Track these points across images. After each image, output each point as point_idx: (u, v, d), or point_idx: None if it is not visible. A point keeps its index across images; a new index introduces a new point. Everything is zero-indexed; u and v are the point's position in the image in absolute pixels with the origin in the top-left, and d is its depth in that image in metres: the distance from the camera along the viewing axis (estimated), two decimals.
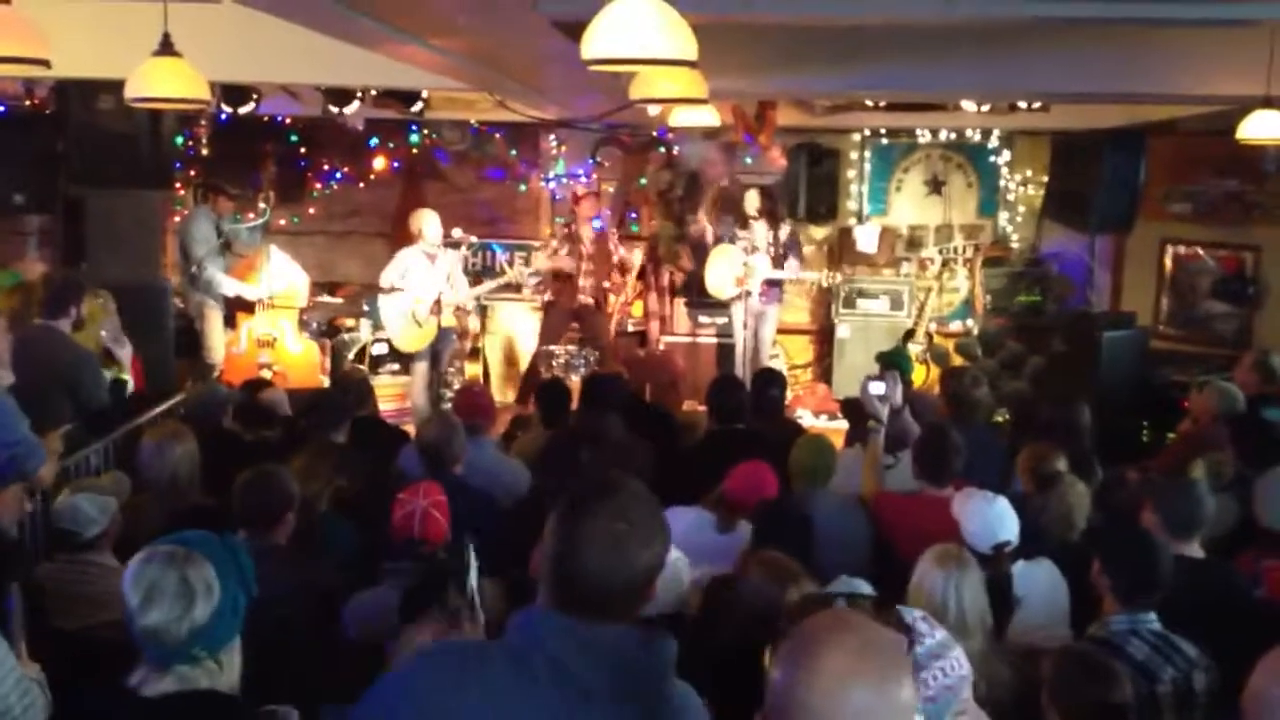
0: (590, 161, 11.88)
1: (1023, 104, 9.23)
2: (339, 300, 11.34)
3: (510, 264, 10.59)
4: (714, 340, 10.90)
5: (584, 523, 1.98)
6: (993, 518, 4.01)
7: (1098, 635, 3.49)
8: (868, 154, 11.92)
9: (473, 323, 10.73)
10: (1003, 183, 11.72)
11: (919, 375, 9.93)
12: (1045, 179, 11.12)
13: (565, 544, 1.98)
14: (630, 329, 11.14)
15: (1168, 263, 10.96)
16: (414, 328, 9.23)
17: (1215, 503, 4.80)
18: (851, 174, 11.94)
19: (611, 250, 10.21)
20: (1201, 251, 10.71)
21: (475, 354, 10.82)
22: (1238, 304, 10.33)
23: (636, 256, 10.61)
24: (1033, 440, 5.50)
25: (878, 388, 5.35)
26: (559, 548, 1.99)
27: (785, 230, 10.23)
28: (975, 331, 11.22)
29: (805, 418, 10.31)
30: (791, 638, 1.70)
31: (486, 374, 10.99)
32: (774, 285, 10.12)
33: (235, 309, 9.61)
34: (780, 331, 10.98)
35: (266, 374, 8.91)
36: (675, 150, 11.56)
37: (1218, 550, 4.63)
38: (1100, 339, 9.30)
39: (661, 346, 10.92)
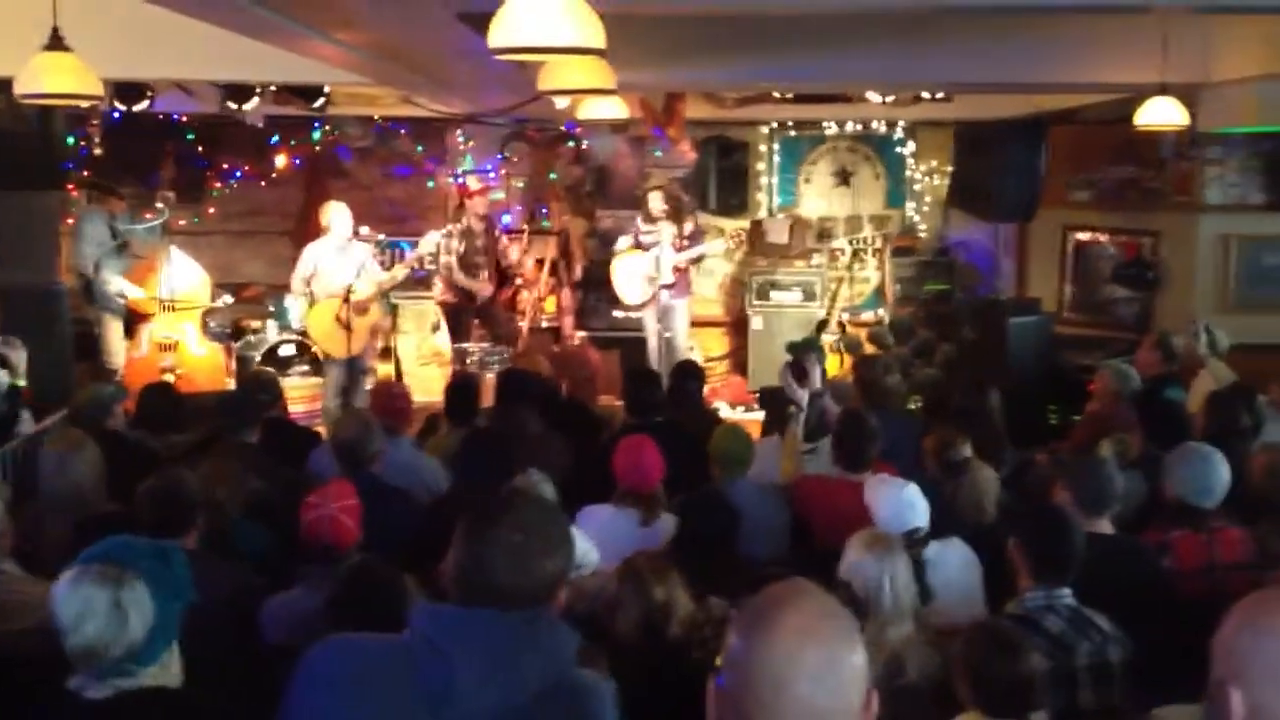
0: (499, 157, 11.83)
1: (926, 95, 9.39)
2: (243, 301, 11.14)
3: (421, 262, 10.48)
4: (628, 335, 10.93)
5: (488, 536, 2.07)
6: (903, 504, 4.09)
7: (1014, 612, 3.57)
8: (776, 146, 12.04)
9: (384, 321, 10.62)
10: (909, 173, 11.93)
11: (833, 365, 10.05)
12: (950, 169, 11.35)
13: (470, 557, 2.07)
14: (544, 325, 11.13)
15: (1070, 249, 11.25)
16: (341, 331, 9.03)
17: (1123, 480, 4.96)
18: (761, 166, 12.06)
19: (501, 249, 10.11)
20: (1103, 237, 11.02)
21: (387, 353, 10.71)
22: (1138, 288, 10.63)
23: (514, 252, 10.47)
24: (944, 426, 5.61)
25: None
26: (464, 560, 2.08)
27: (690, 225, 10.29)
28: (887, 320, 11.39)
29: (722, 409, 10.38)
30: (749, 605, 1.75)
31: (399, 373, 10.88)
32: (682, 276, 10.17)
33: (134, 313, 9.41)
34: (694, 324, 11.05)
35: (169, 378, 8.72)
36: (584, 144, 11.56)
37: (1127, 527, 4.78)
38: (1007, 325, 9.52)
39: (576, 341, 10.92)
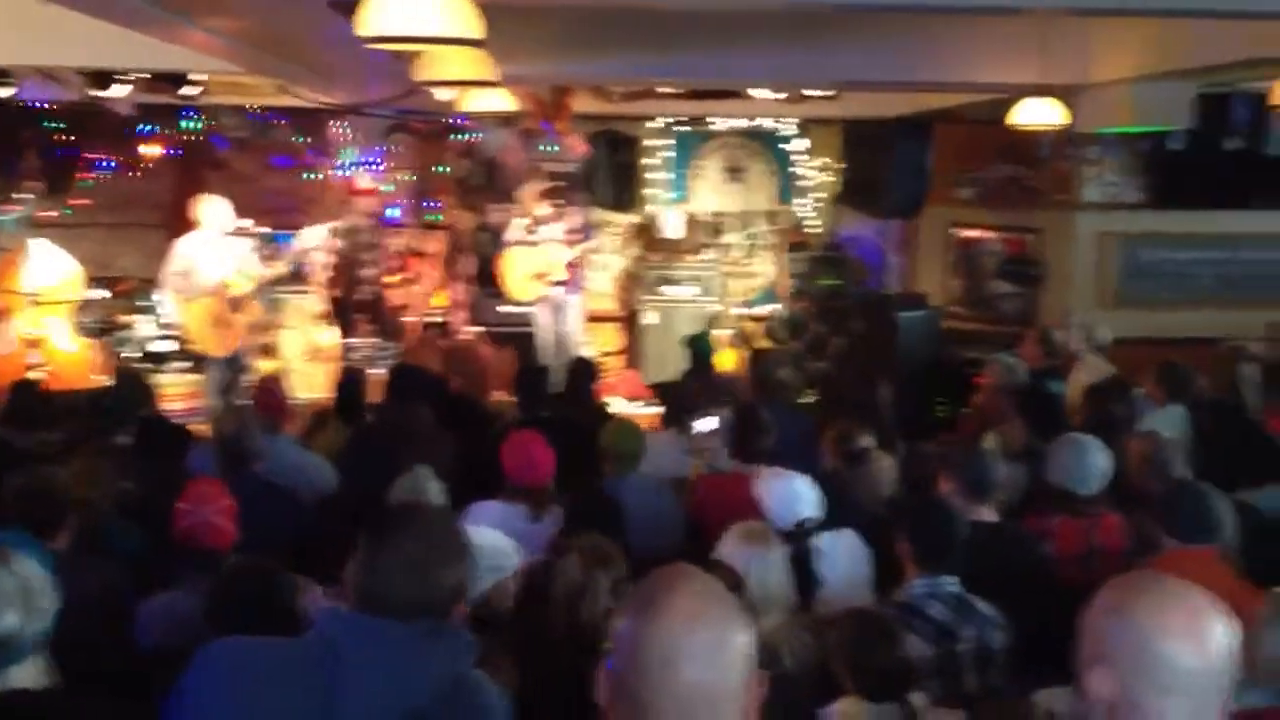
0: (383, 149, 11.69)
1: (813, 92, 9.53)
2: (115, 296, 10.82)
3: (303, 257, 10.30)
4: (522, 330, 10.89)
5: (386, 548, 2.12)
6: (792, 495, 4.17)
7: (899, 600, 3.67)
8: (667, 141, 12.11)
9: (266, 317, 10.41)
10: (800, 170, 12.09)
11: (727, 359, 10.16)
12: (840, 166, 11.56)
13: (369, 568, 2.13)
14: (434, 320, 11.03)
15: (957, 246, 11.54)
16: (218, 328, 8.83)
17: (1005, 469, 5.11)
18: (652, 161, 12.11)
19: (388, 244, 10.01)
20: (987, 234, 11.31)
21: (269, 350, 10.51)
22: (1021, 284, 10.95)
23: (401, 246, 10.36)
24: (838, 418, 5.72)
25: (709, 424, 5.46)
26: (363, 571, 2.13)
27: (578, 217, 10.30)
28: (780, 315, 11.55)
29: (617, 404, 10.41)
30: (638, 589, 1.79)
31: (282, 370, 10.68)
32: (575, 271, 10.17)
33: None
34: (588, 320, 11.06)
35: (36, 375, 8.45)
36: (472, 137, 11.49)
37: (1010, 516, 4.93)
38: (896, 320, 9.73)
39: (466, 337, 10.84)
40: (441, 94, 7.14)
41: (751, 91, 9.56)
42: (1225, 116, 7.89)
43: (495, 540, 3.64)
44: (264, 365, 10.32)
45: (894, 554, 3.82)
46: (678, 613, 1.71)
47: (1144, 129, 8.23)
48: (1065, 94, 7.48)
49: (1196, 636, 1.81)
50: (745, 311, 11.82)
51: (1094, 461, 4.65)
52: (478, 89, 6.56)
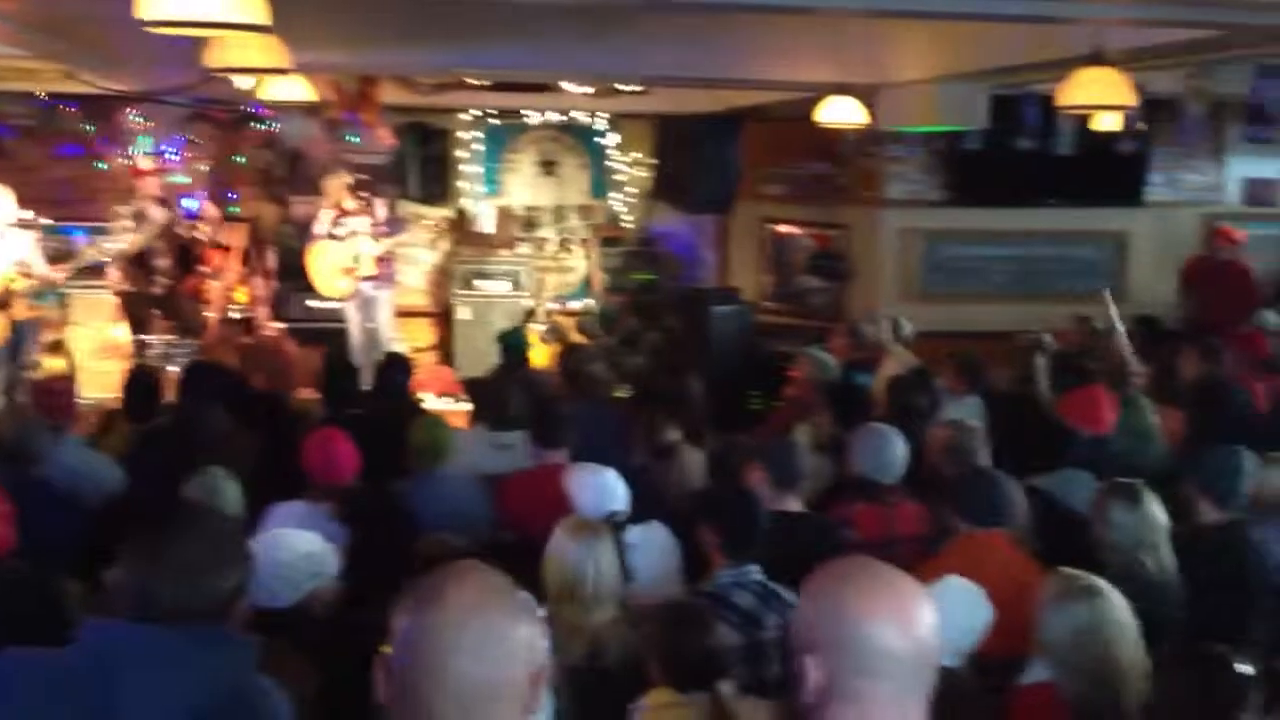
0: (181, 138, 11.26)
1: (624, 87, 9.60)
2: None
3: (95, 250, 9.83)
4: (328, 326, 10.64)
5: (156, 552, 2.09)
6: (601, 489, 4.20)
7: (705, 589, 3.73)
8: (479, 134, 12.02)
9: (54, 312, 9.90)
10: (613, 165, 12.17)
11: (541, 355, 10.15)
12: (653, 161, 11.69)
13: (138, 573, 2.09)
14: (235, 316, 10.69)
15: (768, 241, 11.80)
16: None
17: (813, 460, 5.25)
18: (463, 154, 12.01)
19: (184, 236, 9.65)
20: (797, 230, 11.60)
21: (58, 347, 10.01)
22: (830, 279, 11.26)
23: (198, 239, 10.01)
24: (648, 412, 5.79)
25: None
26: (132, 576, 2.09)
27: (385, 209, 10.14)
28: (593, 310, 11.60)
29: (429, 401, 10.29)
30: (418, 583, 1.78)
31: (71, 368, 10.19)
32: (385, 266, 10.00)
33: None
34: (399, 315, 10.91)
35: None
36: (273, 127, 11.17)
37: (817, 506, 5.07)
38: (709, 314, 9.90)
39: (270, 333, 10.54)
40: (237, 82, 6.92)
41: (562, 85, 9.57)
42: (1017, 117, 8.28)
43: (313, 545, 3.57)
44: (52, 364, 9.83)
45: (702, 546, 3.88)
46: (455, 606, 1.70)
47: (942, 128, 8.55)
48: (867, 93, 7.74)
49: (902, 621, 1.86)
50: (559, 306, 11.84)
51: (893, 451, 4.82)
52: (275, 77, 6.38)
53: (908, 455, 4.91)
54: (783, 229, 11.72)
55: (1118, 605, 3.34)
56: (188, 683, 2.00)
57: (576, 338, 10.35)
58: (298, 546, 3.51)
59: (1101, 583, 3.43)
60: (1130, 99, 5.86)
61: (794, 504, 4.49)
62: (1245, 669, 2.92)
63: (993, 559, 4.17)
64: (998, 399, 7.13)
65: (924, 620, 1.88)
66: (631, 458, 5.32)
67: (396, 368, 6.56)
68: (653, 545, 4.31)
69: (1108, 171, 9.92)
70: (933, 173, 10.70)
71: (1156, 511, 4.26)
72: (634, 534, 4.24)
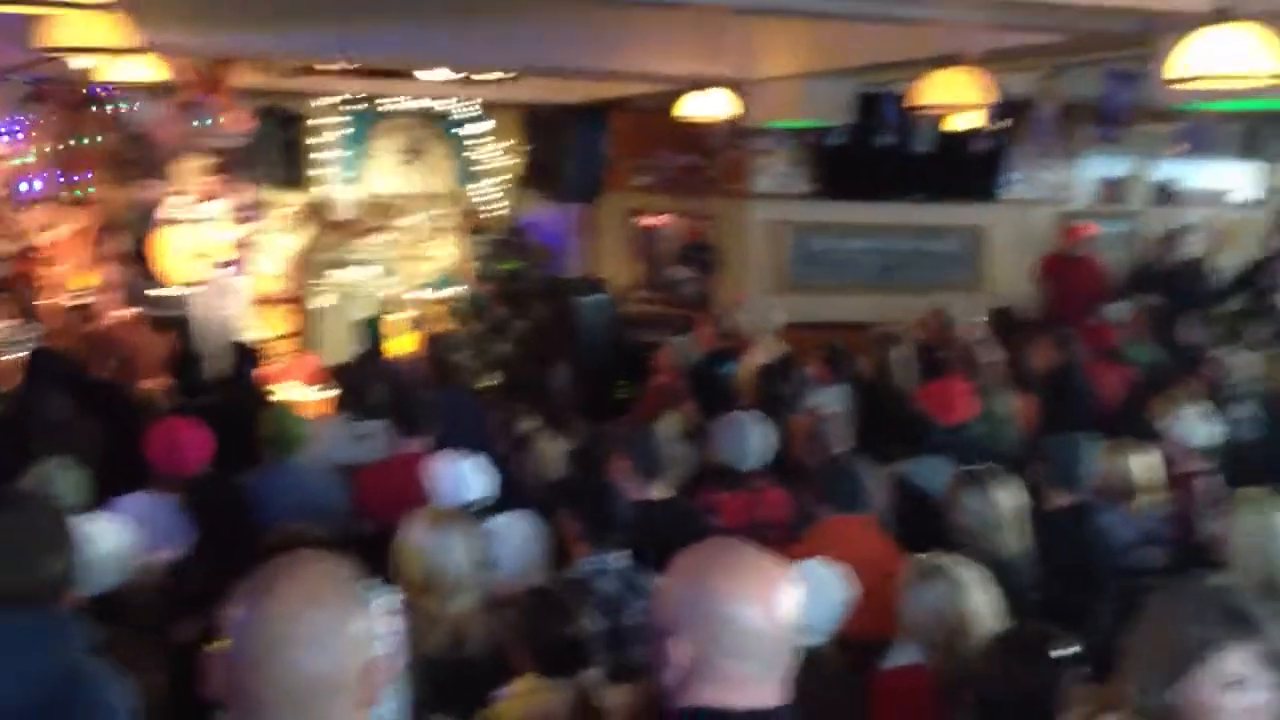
0: (21, 118, 10.78)
1: (491, 75, 9.52)
2: None
3: None
4: (180, 314, 10.33)
5: None
6: (460, 477, 4.18)
7: (568, 576, 3.73)
8: (340, 120, 11.79)
9: None
10: (480, 153, 12.05)
11: (406, 343, 10.03)
12: (521, 150, 11.62)
13: None
14: (80, 302, 10.29)
15: (636, 231, 11.84)
16: None
17: (679, 448, 5.29)
18: (324, 140, 11.76)
19: (25, 219, 9.30)
20: (666, 221, 11.67)
21: None
22: (699, 269, 11.35)
23: (39, 222, 9.65)
24: (508, 402, 5.78)
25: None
26: None
27: (244, 196, 9.90)
28: (460, 298, 11.49)
29: (291, 390, 10.07)
30: (253, 574, 1.75)
31: None
32: (241, 253, 9.77)
33: None
34: (257, 302, 10.68)
35: None
36: (121, 108, 10.77)
37: (682, 493, 5.11)
38: (577, 303, 9.90)
39: (118, 320, 10.18)
40: (74, 62, 6.63)
41: (425, 73, 9.44)
42: (879, 114, 8.44)
43: (123, 536, 3.46)
44: None
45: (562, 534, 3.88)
46: (288, 597, 1.68)
47: (809, 124, 8.68)
48: (735, 87, 7.81)
49: (766, 601, 1.90)
50: (424, 295, 11.69)
51: (753, 439, 4.89)
52: (119, 56, 6.12)
53: (769, 442, 4.98)
54: (652, 219, 11.77)
55: (974, 584, 3.45)
56: (19, 666, 1.96)
57: (441, 326, 10.26)
58: (105, 536, 3.42)
59: (958, 563, 3.53)
60: (983, 99, 6.04)
61: (658, 491, 4.51)
62: (1065, 650, 3.03)
63: (853, 543, 4.25)
64: (862, 387, 7.28)
65: (786, 600, 1.93)
66: (495, 446, 5.29)
67: (246, 356, 6.42)
68: (515, 534, 4.29)
69: (966, 169, 10.19)
70: (800, 166, 10.84)
71: (1007, 496, 4.39)
72: (496, 523, 4.22)
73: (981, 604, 3.42)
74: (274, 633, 1.65)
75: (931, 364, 7.52)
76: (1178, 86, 4.58)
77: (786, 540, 4.40)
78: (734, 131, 9.52)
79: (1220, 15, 4.28)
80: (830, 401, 6.56)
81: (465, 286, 11.70)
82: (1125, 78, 6.50)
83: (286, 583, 1.70)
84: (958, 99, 5.97)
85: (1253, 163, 11.10)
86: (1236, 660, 2.17)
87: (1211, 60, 4.27)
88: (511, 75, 9.42)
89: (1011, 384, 7.32)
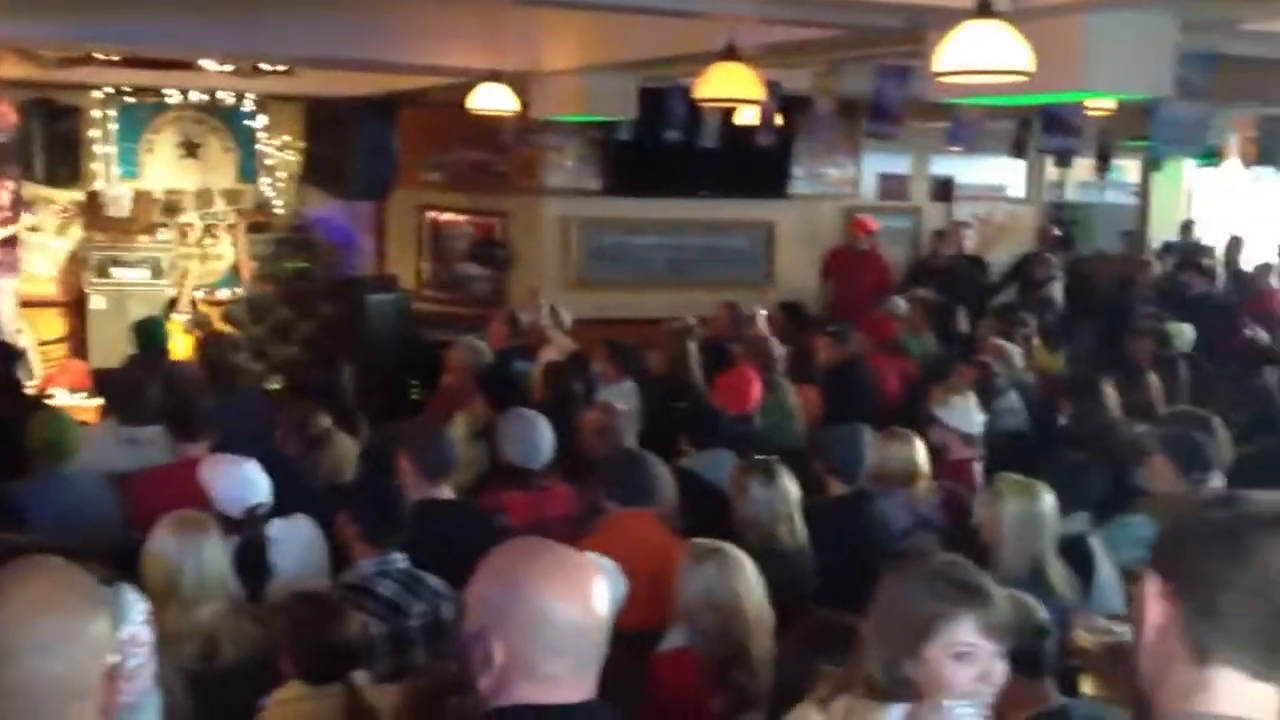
0: None
1: (269, 67, 9.27)
2: None
3: None
4: None
5: None
6: (241, 482, 4.10)
7: (348, 580, 3.70)
8: (113, 113, 11.32)
9: None
10: (261, 147, 11.74)
11: (184, 345, 9.71)
12: (303, 145, 11.38)
13: None
14: None
15: (427, 228, 11.74)
16: None
17: (470, 447, 5.30)
18: (96, 134, 11.27)
19: None
20: (457, 218, 11.60)
21: None
22: (491, 266, 11.33)
23: None
24: (297, 403, 5.68)
25: None
26: None
27: (9, 193, 9.43)
28: (241, 299, 11.18)
29: (60, 396, 9.62)
30: None
31: None
32: (7, 252, 9.30)
33: None
34: (25, 305, 10.20)
35: None
36: None
37: (473, 493, 5.12)
38: (366, 303, 9.78)
39: None
40: None
41: (202, 63, 9.14)
42: (665, 109, 8.57)
43: None
44: None
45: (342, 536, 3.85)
46: (20, 602, 1.67)
47: (595, 119, 8.76)
48: (519, 81, 7.83)
49: (581, 597, 1.95)
50: (204, 295, 11.33)
51: (539, 437, 4.94)
52: None
53: (555, 440, 5.04)
54: (442, 216, 11.69)
55: (745, 566, 3.59)
56: None
57: (221, 328, 9.97)
58: None
59: (729, 546, 3.66)
60: (760, 93, 6.22)
61: (444, 491, 4.51)
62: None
63: (639, 537, 4.35)
64: (651, 383, 7.42)
65: (599, 595, 1.97)
66: (277, 450, 5.19)
67: (8, 360, 6.13)
68: (296, 539, 4.24)
69: (754, 165, 10.46)
70: (590, 162, 10.95)
71: (789, 486, 4.56)
72: (276, 528, 4.16)
73: (751, 583, 3.57)
74: (5, 638, 1.64)
75: (722, 358, 7.72)
76: (941, 81, 4.79)
77: (572, 536, 4.46)
78: (524, 127, 9.55)
79: (984, 10, 4.48)
80: (619, 397, 6.67)
81: (246, 287, 11.38)
82: (896, 74, 6.77)
83: (15, 590, 1.68)
84: (735, 93, 6.12)
85: (1023, 160, 11.73)
86: (965, 629, 2.34)
87: (972, 56, 4.47)
88: (285, 70, 9.18)
89: (796, 376, 7.58)
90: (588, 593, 1.96)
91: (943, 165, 12.43)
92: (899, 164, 12.45)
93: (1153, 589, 1.55)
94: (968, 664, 2.34)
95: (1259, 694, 1.50)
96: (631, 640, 3.70)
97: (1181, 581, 1.53)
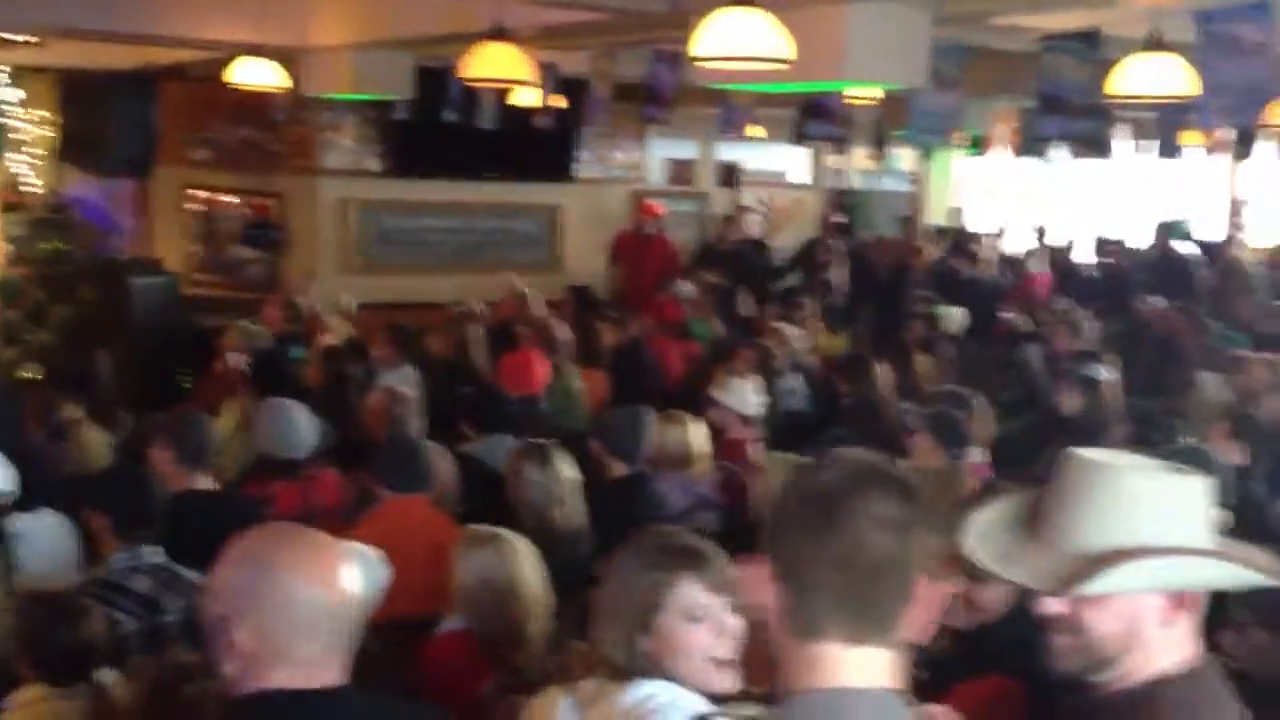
0: None
1: (15, 37, 8.73)
2: None
3: None
4: None
5: None
6: None
7: (98, 576, 3.56)
8: None
9: None
10: (13, 123, 11.10)
11: None
12: (58, 120, 10.81)
13: None
14: None
15: (195, 209, 11.31)
16: None
17: (243, 437, 5.15)
18: None
19: None
20: (228, 198, 11.21)
21: None
22: (265, 249, 11.01)
23: None
24: (46, 391, 5.43)
25: None
26: None
27: None
28: None
29: None
30: None
31: None
32: None
33: None
34: None
35: None
36: None
37: (240, 482, 4.98)
38: (129, 286, 9.38)
39: None
40: None
41: None
42: (442, 89, 8.47)
43: None
44: None
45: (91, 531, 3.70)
46: None
47: (368, 97, 8.60)
48: (287, 56, 7.62)
49: (330, 580, 1.97)
50: None
51: (298, 424, 4.84)
52: None
53: (329, 427, 4.95)
54: (212, 196, 11.28)
55: (520, 549, 3.61)
56: None
57: None
58: None
59: (504, 531, 3.68)
60: (528, 74, 6.22)
61: (204, 482, 4.37)
62: None
63: (413, 523, 4.32)
64: (433, 367, 7.35)
65: (348, 578, 1.99)
66: (24, 440, 4.94)
67: None
68: (42, 533, 4.05)
69: (539, 148, 10.46)
70: (369, 143, 10.75)
71: (565, 469, 4.58)
72: (21, 522, 3.97)
73: (529, 569, 3.58)
74: None
75: (508, 341, 7.71)
76: (702, 67, 4.89)
77: (343, 525, 4.39)
78: (296, 104, 9.29)
79: None
80: (400, 382, 6.60)
81: (0, 269, 10.76)
82: (669, 59, 6.87)
83: None
84: (503, 73, 6.11)
85: (804, 147, 12.07)
86: (691, 591, 2.41)
87: (731, 43, 4.58)
88: (37, 41, 8.67)
89: (583, 360, 7.63)
90: (336, 575, 1.98)
91: (729, 151, 12.69)
92: (686, 149, 12.66)
93: (764, 573, 1.63)
94: (701, 624, 2.40)
95: (862, 658, 1.57)
96: (409, 628, 3.70)
97: (781, 563, 1.60)
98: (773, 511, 1.66)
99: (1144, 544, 1.88)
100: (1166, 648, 1.93)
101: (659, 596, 2.39)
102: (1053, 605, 1.95)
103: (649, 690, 2.32)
